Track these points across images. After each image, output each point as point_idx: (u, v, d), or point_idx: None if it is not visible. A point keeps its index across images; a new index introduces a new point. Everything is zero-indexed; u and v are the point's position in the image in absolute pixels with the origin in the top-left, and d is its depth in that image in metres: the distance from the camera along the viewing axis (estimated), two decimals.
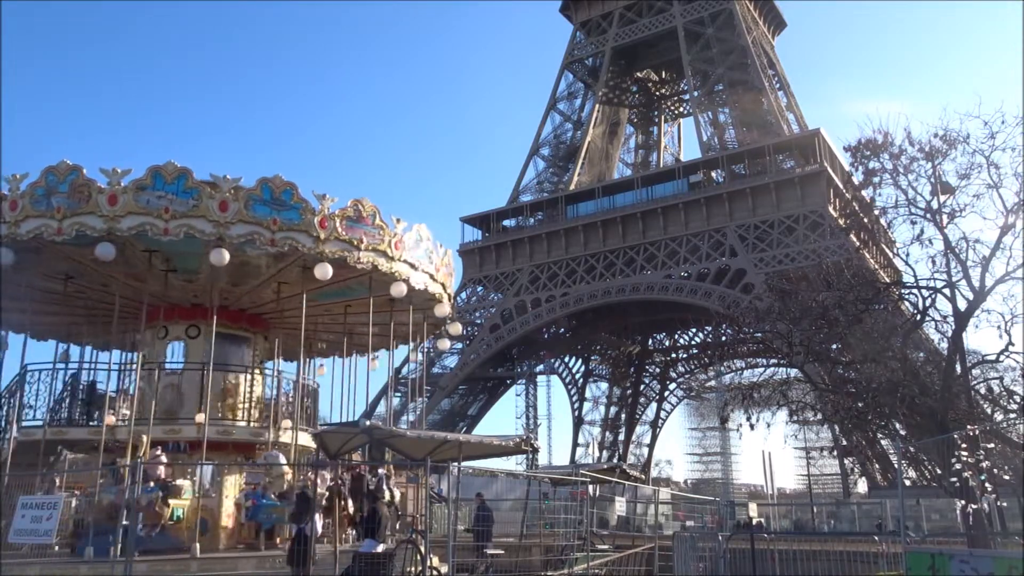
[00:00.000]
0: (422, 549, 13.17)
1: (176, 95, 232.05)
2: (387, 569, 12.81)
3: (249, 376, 18.17)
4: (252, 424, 17.64)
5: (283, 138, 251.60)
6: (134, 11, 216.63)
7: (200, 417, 15.90)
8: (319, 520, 14.06)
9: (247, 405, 17.80)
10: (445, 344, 25.48)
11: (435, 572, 13.69)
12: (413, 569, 13.37)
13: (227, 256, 14.31)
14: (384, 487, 16.33)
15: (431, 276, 17.71)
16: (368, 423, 14.77)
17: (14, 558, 13.42)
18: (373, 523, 14.02)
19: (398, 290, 16.72)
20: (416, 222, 17.26)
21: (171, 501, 14.47)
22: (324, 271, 15.13)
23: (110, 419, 16.18)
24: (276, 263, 16.03)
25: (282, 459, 15.78)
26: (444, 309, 19.26)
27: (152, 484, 14.12)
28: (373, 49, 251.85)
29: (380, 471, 16.78)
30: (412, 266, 16.94)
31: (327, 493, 15.21)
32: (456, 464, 15.01)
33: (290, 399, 18.13)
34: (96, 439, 15.56)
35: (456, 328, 21.55)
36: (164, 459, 14.86)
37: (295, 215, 14.86)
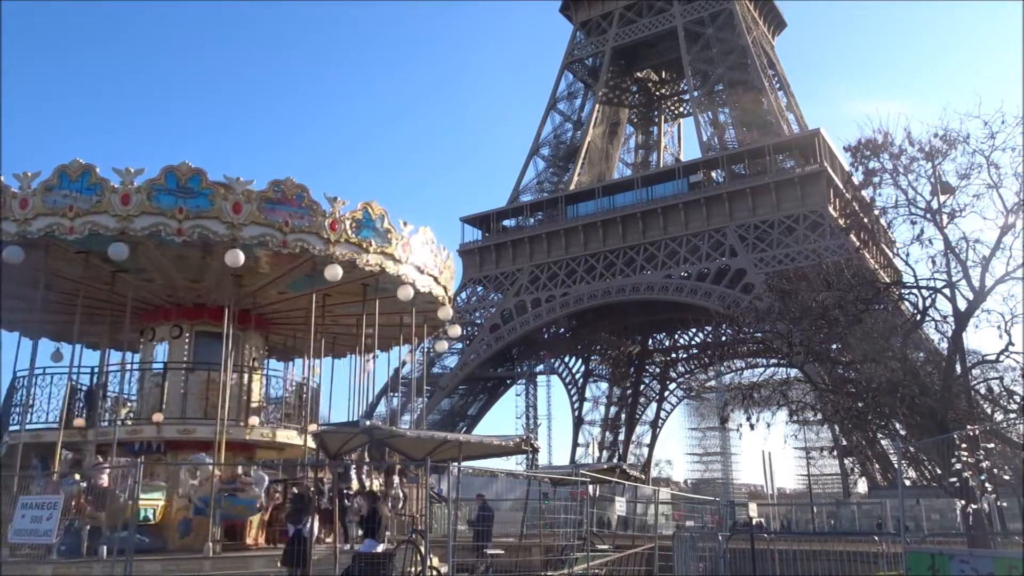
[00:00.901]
0: (422, 549, 13.17)
1: (176, 95, 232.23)
2: (387, 569, 12.82)
3: (234, 375, 18.02)
4: (240, 424, 17.55)
5: (283, 138, 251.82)
6: (134, 11, 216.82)
7: (158, 416, 15.98)
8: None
9: (232, 404, 17.71)
10: (443, 346, 25.48)
11: (435, 572, 13.69)
12: (413, 569, 13.38)
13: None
14: (353, 475, 16.17)
15: (435, 279, 17.95)
16: (368, 423, 14.75)
17: (14, 558, 13.43)
18: (373, 523, 14.02)
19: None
20: (416, 222, 17.39)
21: (141, 502, 14.44)
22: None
23: (79, 421, 16.43)
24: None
25: (208, 460, 15.68)
26: (447, 312, 19.41)
27: (76, 477, 14.06)
28: (373, 49, 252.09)
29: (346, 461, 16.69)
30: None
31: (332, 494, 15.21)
32: (456, 464, 15.01)
33: (285, 399, 18.27)
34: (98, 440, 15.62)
35: (455, 330, 21.58)
36: (107, 466, 14.83)
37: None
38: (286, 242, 14.73)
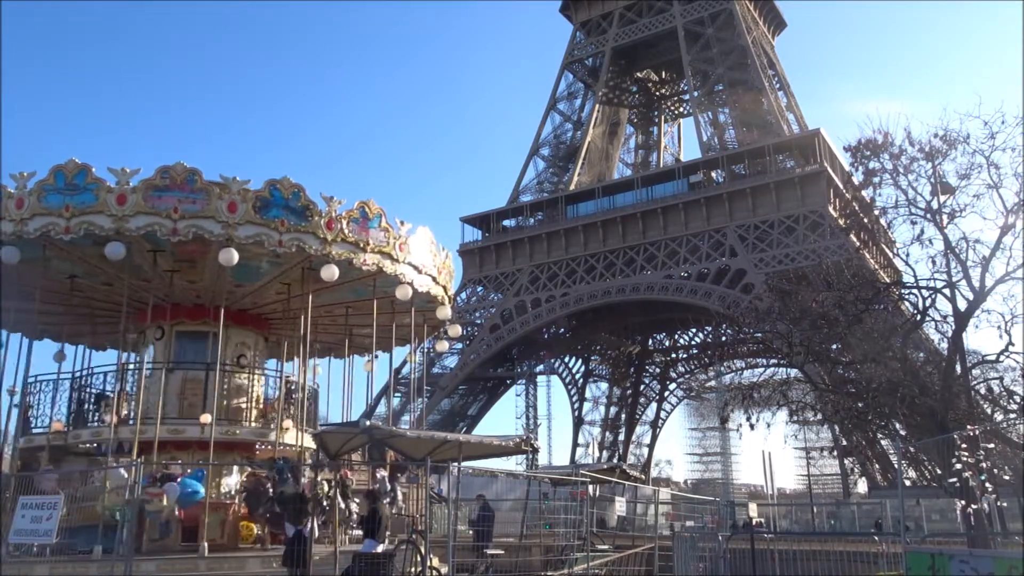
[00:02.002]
0: (422, 549, 13.17)
1: (176, 95, 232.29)
2: (387, 569, 12.82)
3: (216, 374, 17.98)
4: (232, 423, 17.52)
5: (283, 138, 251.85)
6: (134, 11, 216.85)
7: (109, 419, 16.05)
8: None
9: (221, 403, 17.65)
10: (444, 345, 25.49)
11: (435, 572, 13.69)
12: (413, 569, 13.38)
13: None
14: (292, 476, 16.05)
15: (433, 278, 17.88)
16: (368, 423, 14.74)
17: (14, 558, 13.44)
18: (373, 523, 14.02)
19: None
20: (416, 222, 17.32)
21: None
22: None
23: (58, 424, 16.42)
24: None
25: (123, 472, 15.64)
26: (446, 311, 19.37)
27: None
28: (373, 49, 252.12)
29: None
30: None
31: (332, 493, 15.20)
32: (456, 464, 15.00)
33: (283, 398, 18.25)
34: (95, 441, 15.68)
35: (456, 330, 21.57)
36: (54, 473, 14.83)
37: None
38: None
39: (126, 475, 14.32)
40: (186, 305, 17.69)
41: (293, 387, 18.45)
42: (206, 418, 16.21)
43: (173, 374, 17.30)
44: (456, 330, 21.70)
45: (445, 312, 19.32)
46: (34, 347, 17.49)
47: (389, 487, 15.73)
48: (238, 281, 16.74)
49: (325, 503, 15.00)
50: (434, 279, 17.91)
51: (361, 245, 15.40)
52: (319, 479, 15.44)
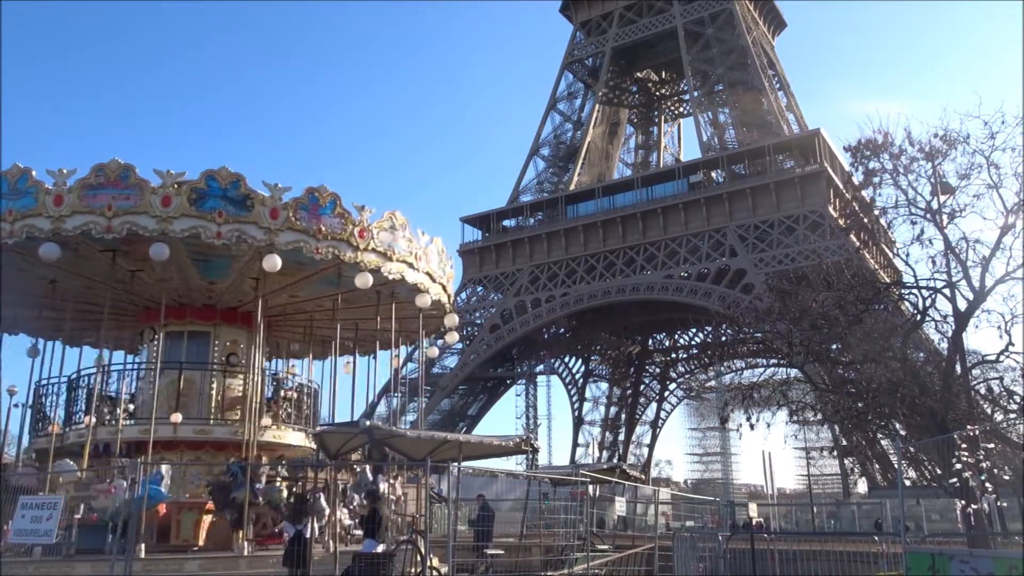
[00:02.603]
0: (422, 549, 13.17)
1: (176, 95, 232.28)
2: (387, 569, 12.81)
3: (210, 374, 17.92)
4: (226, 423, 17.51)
5: (283, 138, 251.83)
6: (134, 11, 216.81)
7: (88, 419, 16.07)
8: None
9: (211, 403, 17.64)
10: (433, 352, 25.48)
11: (435, 572, 13.68)
12: (413, 569, 13.37)
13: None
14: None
15: (443, 287, 18.17)
16: (368, 423, 14.74)
17: (15, 557, 13.45)
18: (373, 523, 14.02)
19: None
20: (416, 222, 17.54)
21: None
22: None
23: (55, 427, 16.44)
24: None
25: (73, 467, 15.46)
26: (453, 319, 19.78)
27: None
28: (373, 49, 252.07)
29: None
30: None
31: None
32: (456, 464, 15.00)
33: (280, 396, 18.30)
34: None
35: (453, 336, 21.62)
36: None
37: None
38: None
39: (75, 469, 14.36)
40: (171, 306, 17.69)
41: (284, 385, 18.32)
42: (176, 417, 16.26)
43: (163, 375, 17.34)
44: (454, 337, 21.73)
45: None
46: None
47: (372, 480, 15.50)
48: (211, 278, 16.62)
49: (283, 508, 14.85)
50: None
51: (312, 232, 14.85)
52: (278, 483, 15.27)
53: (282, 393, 18.56)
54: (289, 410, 18.37)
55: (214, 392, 17.65)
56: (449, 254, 18.92)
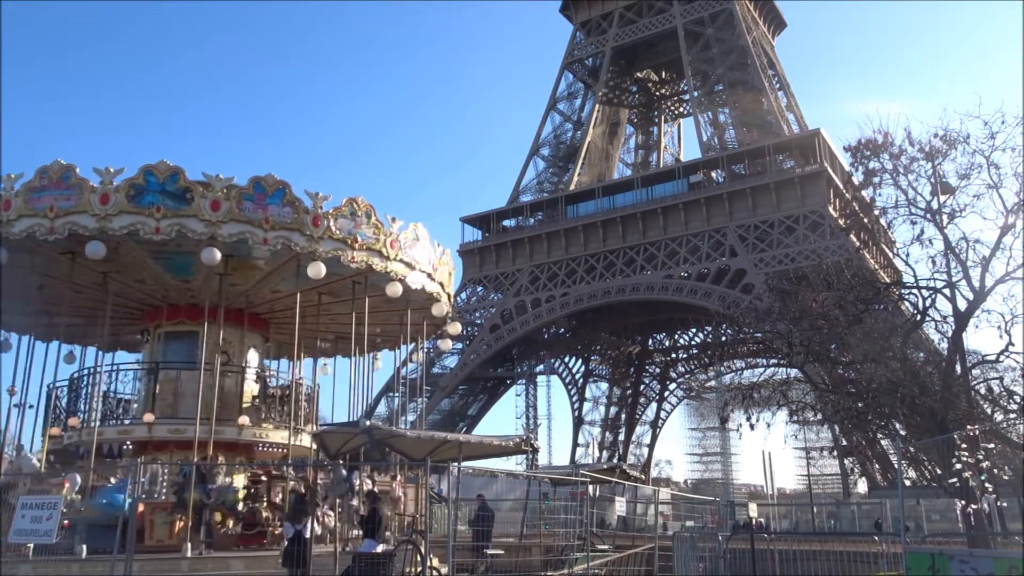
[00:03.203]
0: (422, 549, 13.16)
1: (176, 95, 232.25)
2: (387, 569, 12.81)
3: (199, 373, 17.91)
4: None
5: (283, 138, 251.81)
6: (134, 11, 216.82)
7: (72, 421, 16.16)
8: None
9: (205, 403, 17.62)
10: (447, 344, 25.39)
11: (435, 572, 13.68)
12: (413, 569, 13.36)
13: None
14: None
15: (428, 275, 17.76)
16: (368, 423, 14.73)
17: (15, 557, 13.43)
18: (373, 523, 14.02)
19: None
20: (416, 221, 17.26)
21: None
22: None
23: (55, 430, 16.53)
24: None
25: (33, 461, 15.41)
26: (441, 308, 19.17)
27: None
28: (373, 49, 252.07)
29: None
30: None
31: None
32: (456, 464, 15.00)
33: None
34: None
35: (455, 327, 21.47)
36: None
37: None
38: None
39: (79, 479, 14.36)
40: (158, 306, 17.78)
41: (269, 384, 18.08)
42: (149, 417, 16.22)
43: (157, 375, 17.35)
44: (456, 327, 21.57)
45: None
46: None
47: (346, 477, 15.38)
48: (182, 277, 16.48)
49: (240, 510, 14.72)
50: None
51: (257, 223, 14.50)
52: (232, 484, 15.17)
53: (268, 392, 18.31)
54: (279, 409, 18.07)
55: (201, 392, 17.56)
56: (436, 240, 18.30)
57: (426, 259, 17.48)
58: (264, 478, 16.54)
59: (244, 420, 16.69)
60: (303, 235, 14.76)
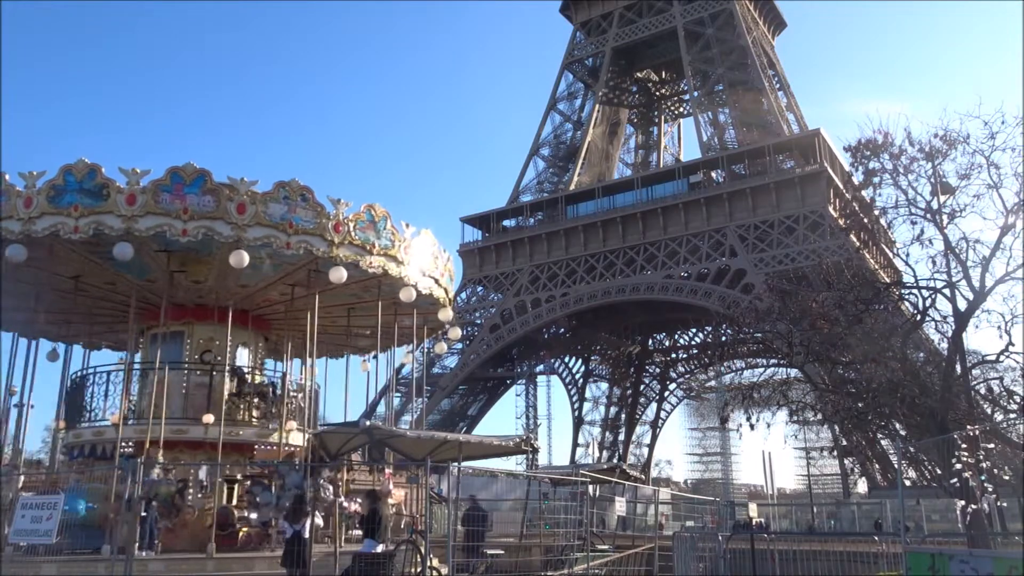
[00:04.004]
0: (422, 549, 13.15)
1: (177, 95, 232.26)
2: (387, 569, 12.81)
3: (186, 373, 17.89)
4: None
5: (283, 138, 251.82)
6: (134, 11, 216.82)
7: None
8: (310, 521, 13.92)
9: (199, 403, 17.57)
10: (442, 347, 25.40)
11: (435, 572, 13.67)
12: (413, 569, 13.36)
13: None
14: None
15: (436, 281, 18.02)
16: (368, 423, 14.73)
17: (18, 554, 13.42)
18: (373, 523, 14.01)
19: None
20: (416, 222, 17.44)
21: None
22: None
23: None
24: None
25: None
26: (447, 314, 19.51)
27: None
28: (374, 49, 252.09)
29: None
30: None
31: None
32: (456, 464, 14.99)
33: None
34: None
35: (456, 332, 21.54)
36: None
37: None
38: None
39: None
40: (146, 306, 17.76)
41: (246, 383, 17.88)
42: (115, 418, 16.32)
43: (148, 375, 17.40)
44: (457, 332, 21.64)
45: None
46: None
47: (299, 483, 15.21)
48: (141, 276, 16.51)
49: (172, 503, 14.52)
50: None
51: (175, 214, 14.22)
52: (167, 478, 15.02)
53: (244, 390, 18.11)
54: (260, 407, 17.95)
55: (185, 391, 17.56)
56: (442, 246, 18.52)
57: (434, 264, 17.80)
58: (239, 477, 16.53)
59: (208, 419, 16.57)
60: (227, 223, 14.43)
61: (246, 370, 18.42)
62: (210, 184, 14.36)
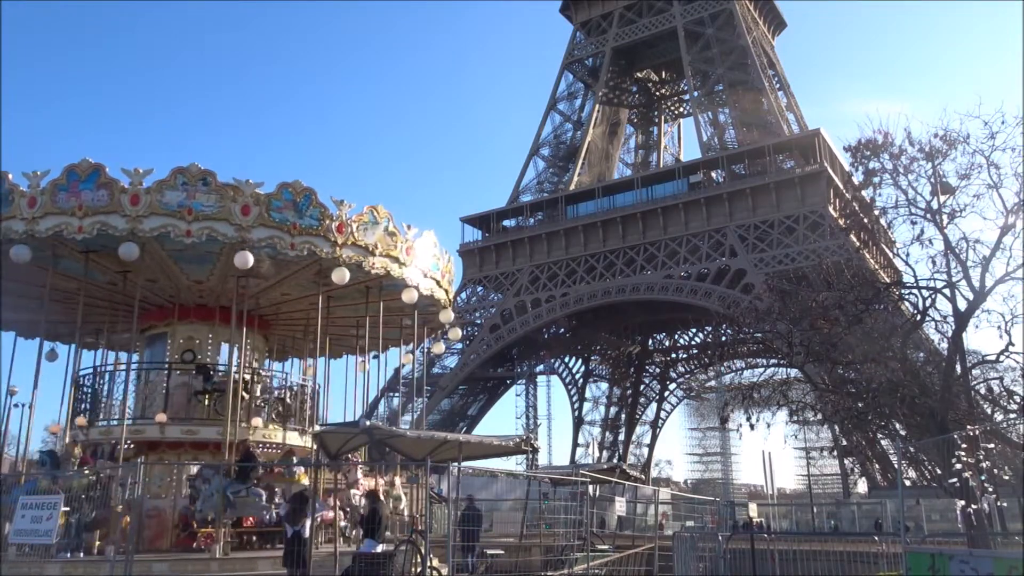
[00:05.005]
0: (422, 549, 13.15)
1: (177, 95, 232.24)
2: (387, 569, 12.79)
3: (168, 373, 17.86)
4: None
5: (283, 138, 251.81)
6: (134, 12, 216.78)
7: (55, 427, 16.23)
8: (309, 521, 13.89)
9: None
10: (440, 348, 25.37)
11: (435, 572, 13.67)
12: (413, 569, 13.36)
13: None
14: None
15: (437, 282, 18.08)
16: (368, 423, 14.71)
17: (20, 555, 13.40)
18: (373, 523, 14.00)
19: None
20: (416, 222, 17.45)
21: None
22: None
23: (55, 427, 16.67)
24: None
25: None
26: (448, 315, 19.56)
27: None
28: (374, 49, 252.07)
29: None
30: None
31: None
32: (456, 464, 14.99)
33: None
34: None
35: (456, 333, 21.58)
36: None
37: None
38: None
39: None
40: (151, 309, 17.83)
41: (211, 381, 17.57)
42: (81, 420, 16.49)
43: (141, 376, 17.47)
44: (456, 333, 21.67)
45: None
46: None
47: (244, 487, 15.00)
48: (98, 279, 16.47)
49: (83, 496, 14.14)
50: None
51: (70, 212, 14.09)
52: (83, 471, 14.80)
53: (208, 388, 17.67)
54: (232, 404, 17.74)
55: (166, 391, 17.52)
56: (443, 247, 18.53)
57: (434, 265, 17.84)
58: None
59: (161, 417, 16.55)
60: (120, 216, 14.14)
61: (221, 369, 18.10)
62: (104, 178, 14.25)
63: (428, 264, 17.49)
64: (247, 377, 17.63)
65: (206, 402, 17.32)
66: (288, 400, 18.57)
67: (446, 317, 19.52)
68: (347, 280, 15.37)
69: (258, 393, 18.10)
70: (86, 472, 14.84)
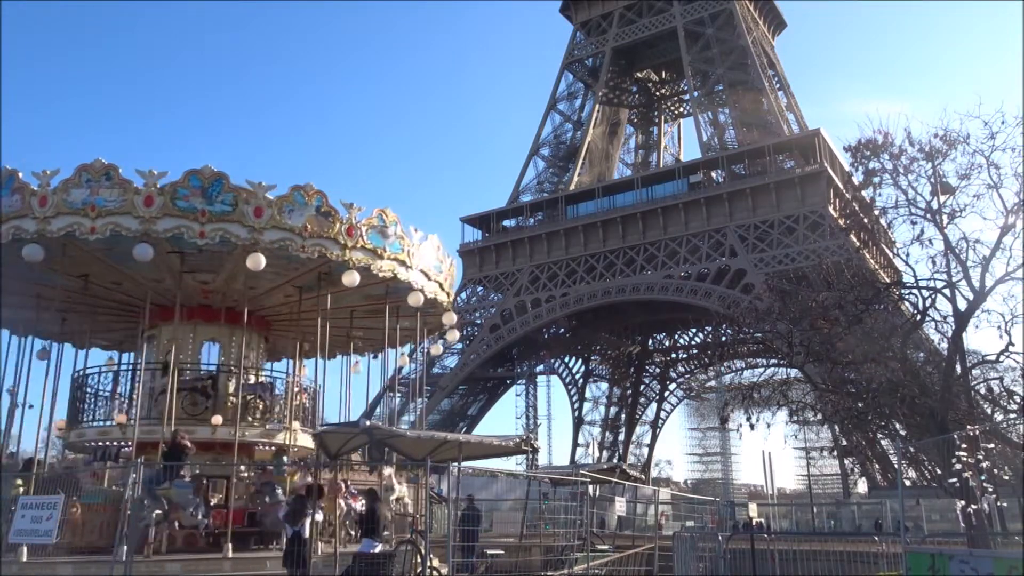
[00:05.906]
0: (422, 549, 13.15)
1: (177, 95, 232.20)
2: (387, 569, 12.80)
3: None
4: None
5: (283, 138, 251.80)
6: (134, 12, 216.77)
7: (121, 418, 16.23)
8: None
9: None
10: (437, 349, 25.33)
11: (435, 572, 13.67)
12: (413, 569, 13.36)
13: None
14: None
15: (440, 285, 18.10)
16: (368, 423, 14.71)
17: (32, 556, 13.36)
18: (372, 523, 14.01)
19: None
20: (416, 222, 17.46)
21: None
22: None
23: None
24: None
25: None
26: (451, 317, 19.62)
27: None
28: (374, 49, 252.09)
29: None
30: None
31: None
32: (456, 464, 14.99)
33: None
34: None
35: (454, 335, 21.57)
36: None
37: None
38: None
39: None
40: (128, 307, 17.85)
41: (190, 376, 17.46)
42: (60, 423, 16.54)
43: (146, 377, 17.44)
44: (455, 335, 21.66)
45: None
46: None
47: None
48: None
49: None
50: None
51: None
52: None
53: (181, 387, 17.38)
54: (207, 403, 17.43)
55: (151, 391, 17.36)
56: (446, 250, 18.58)
57: (439, 268, 17.91)
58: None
59: (121, 418, 16.46)
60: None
61: (202, 370, 18.03)
62: (18, 183, 14.23)
63: (431, 267, 17.56)
64: (214, 375, 17.62)
65: (190, 401, 17.09)
66: (267, 399, 18.18)
67: (449, 319, 19.62)
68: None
69: (231, 391, 17.70)
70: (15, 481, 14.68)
